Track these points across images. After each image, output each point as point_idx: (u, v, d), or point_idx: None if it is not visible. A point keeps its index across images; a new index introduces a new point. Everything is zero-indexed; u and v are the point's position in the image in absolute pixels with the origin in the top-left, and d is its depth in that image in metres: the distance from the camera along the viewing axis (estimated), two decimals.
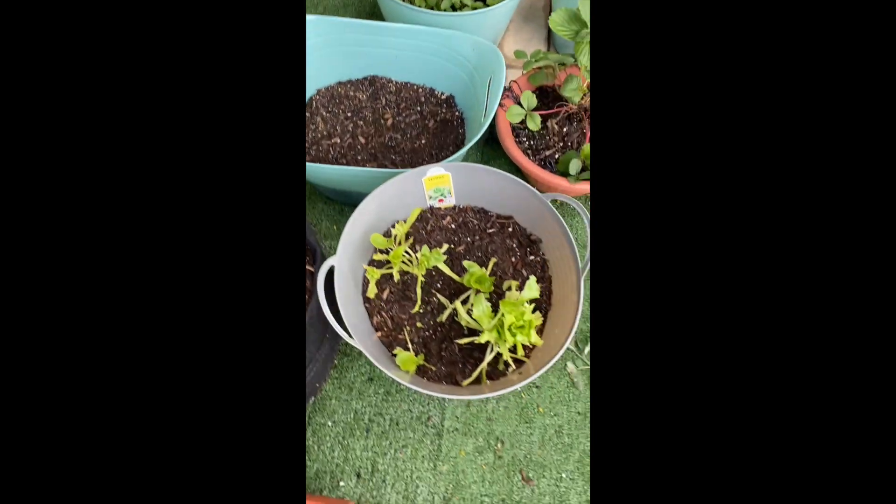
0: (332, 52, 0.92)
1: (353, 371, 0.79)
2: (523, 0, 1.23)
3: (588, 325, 0.82)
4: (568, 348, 0.81)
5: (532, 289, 0.60)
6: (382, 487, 0.72)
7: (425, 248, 0.66)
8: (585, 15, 0.68)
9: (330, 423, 0.76)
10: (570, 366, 0.80)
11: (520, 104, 0.80)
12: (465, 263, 0.66)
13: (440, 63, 0.92)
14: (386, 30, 0.88)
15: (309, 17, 0.87)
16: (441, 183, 0.74)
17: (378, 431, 0.75)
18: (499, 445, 0.74)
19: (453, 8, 0.96)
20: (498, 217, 0.78)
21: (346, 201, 0.91)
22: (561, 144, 0.85)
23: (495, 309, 0.64)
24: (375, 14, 1.17)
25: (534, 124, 0.78)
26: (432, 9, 0.95)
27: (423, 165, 0.72)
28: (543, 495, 0.71)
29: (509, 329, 0.57)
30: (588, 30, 0.70)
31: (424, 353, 0.68)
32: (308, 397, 0.75)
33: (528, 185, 0.70)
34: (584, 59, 0.69)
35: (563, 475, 0.73)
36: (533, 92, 0.93)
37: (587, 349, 0.81)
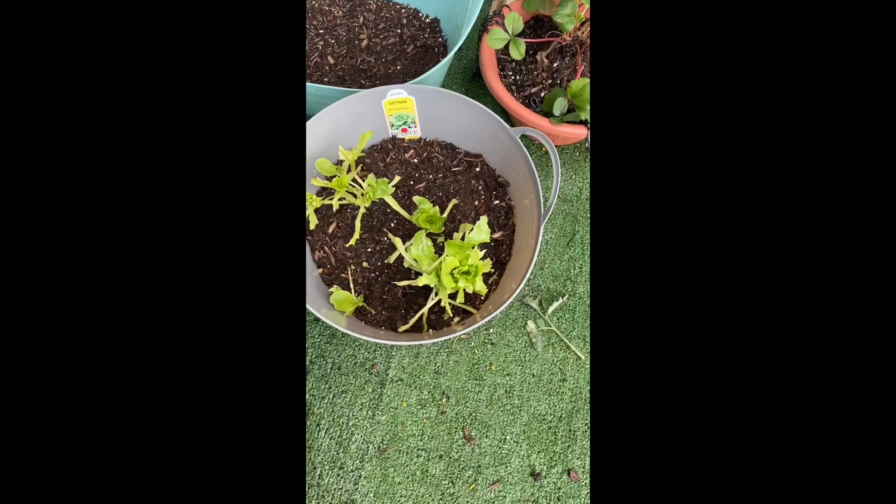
0: None
1: None
2: None
3: (556, 284, 0.76)
4: (531, 307, 0.75)
5: (482, 231, 0.53)
6: (316, 431, 0.68)
7: (371, 176, 0.59)
8: None
9: None
10: (531, 325, 0.74)
11: (506, 29, 0.71)
12: (416, 199, 0.59)
13: None
14: None
15: None
16: (404, 109, 0.66)
17: (318, 374, 0.71)
18: (444, 400, 0.70)
19: None
20: (466, 155, 0.70)
21: None
22: (549, 81, 0.76)
23: (443, 251, 0.58)
24: None
25: (517, 52, 0.69)
26: None
27: (385, 86, 0.63)
28: (484, 455, 0.67)
29: (451, 273, 0.51)
30: None
31: (366, 295, 0.63)
32: None
33: (496, 117, 0.61)
34: None
35: (508, 437, 0.68)
36: (527, 22, 0.83)
37: (551, 308, 0.74)
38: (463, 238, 0.56)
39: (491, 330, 0.74)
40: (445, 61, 0.66)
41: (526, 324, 0.74)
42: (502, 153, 0.66)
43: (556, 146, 0.80)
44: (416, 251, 0.52)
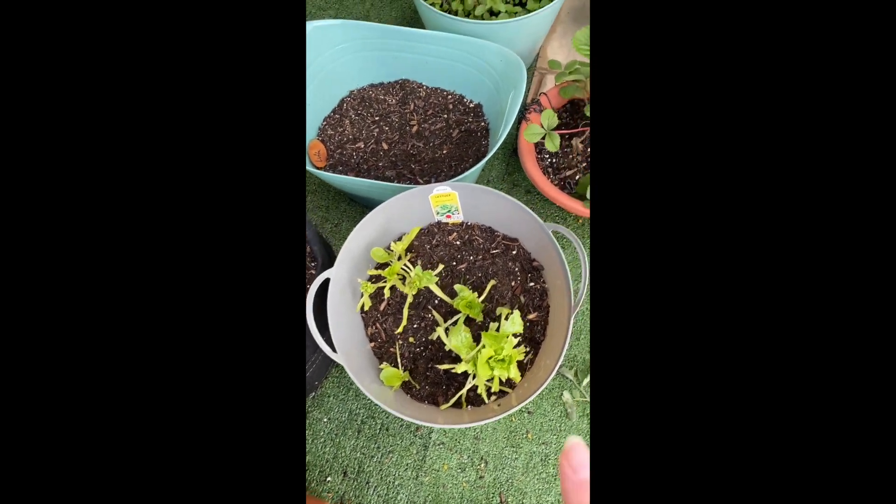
0: (366, 56, 0.93)
1: None
2: (574, 0, 1.16)
3: (589, 355, 0.80)
4: (567, 377, 0.79)
5: (515, 323, 0.59)
6: (366, 488, 0.75)
7: (418, 268, 0.66)
8: None
9: (325, 420, 0.80)
10: (567, 395, 0.78)
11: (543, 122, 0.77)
12: (457, 287, 0.66)
13: (468, 71, 0.90)
14: (415, 36, 0.88)
15: (344, 22, 0.88)
16: (448, 201, 0.74)
17: (368, 434, 0.78)
18: (482, 465, 0.75)
19: (491, 13, 0.93)
20: (504, 238, 0.77)
21: (368, 204, 0.93)
22: (584, 165, 0.81)
23: (480, 338, 0.64)
24: (416, 19, 1.16)
25: (552, 145, 0.75)
26: (468, 16, 0.93)
27: (432, 183, 0.71)
28: None
29: (487, 362, 0.57)
30: None
31: (411, 370, 0.70)
32: (307, 393, 0.79)
33: (531, 213, 0.68)
34: None
35: None
36: (563, 106, 0.89)
37: (587, 380, 0.78)
38: (498, 328, 0.62)
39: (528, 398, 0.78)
40: (481, 164, 0.73)
41: (562, 394, 0.78)
42: (537, 241, 0.72)
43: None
44: (454, 342, 0.59)
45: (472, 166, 0.88)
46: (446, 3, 0.98)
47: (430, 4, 0.96)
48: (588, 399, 0.77)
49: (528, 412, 0.77)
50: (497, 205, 0.72)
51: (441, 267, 0.72)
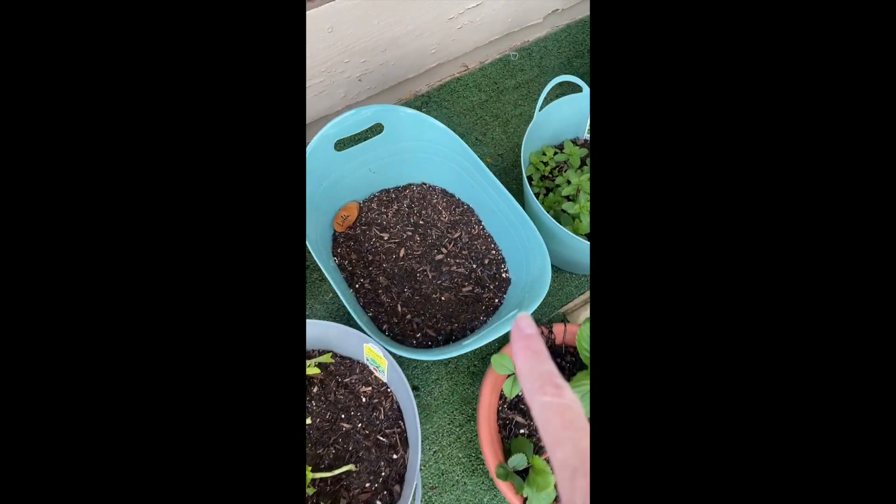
0: (456, 169, 0.89)
1: None
2: None
3: None
4: None
5: None
6: None
7: None
8: None
9: None
10: None
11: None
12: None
13: (519, 248, 0.83)
14: (495, 186, 0.81)
15: (455, 138, 0.84)
16: (378, 359, 0.68)
17: None
18: None
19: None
20: (399, 436, 0.68)
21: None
22: (532, 427, 0.70)
23: None
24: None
25: (510, 392, 0.65)
26: (554, 213, 0.86)
27: (369, 337, 0.66)
28: None
29: None
30: None
31: None
32: None
33: (418, 443, 0.59)
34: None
35: None
36: (571, 349, 0.78)
37: None
38: None
39: None
40: (432, 357, 0.66)
41: None
42: (412, 466, 0.63)
43: None
44: None
45: (454, 331, 0.80)
46: (551, 180, 0.91)
47: (537, 172, 0.90)
48: None
49: None
50: (409, 406, 0.64)
51: (308, 421, 0.66)
